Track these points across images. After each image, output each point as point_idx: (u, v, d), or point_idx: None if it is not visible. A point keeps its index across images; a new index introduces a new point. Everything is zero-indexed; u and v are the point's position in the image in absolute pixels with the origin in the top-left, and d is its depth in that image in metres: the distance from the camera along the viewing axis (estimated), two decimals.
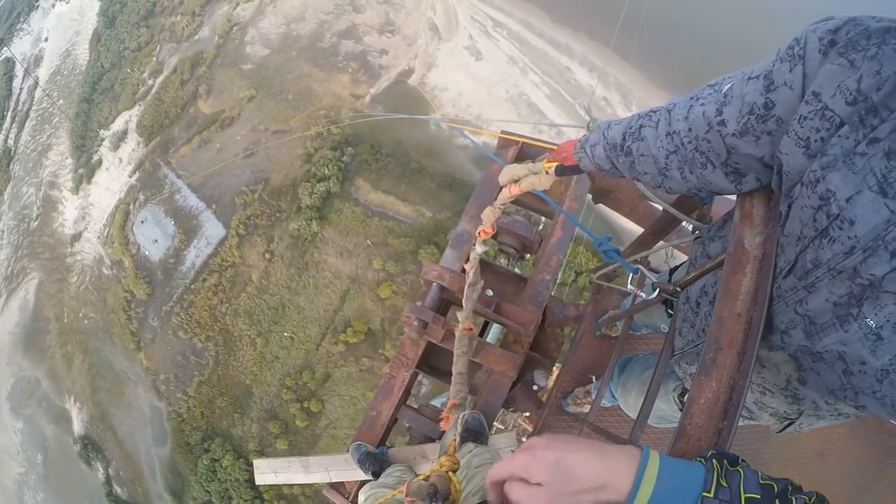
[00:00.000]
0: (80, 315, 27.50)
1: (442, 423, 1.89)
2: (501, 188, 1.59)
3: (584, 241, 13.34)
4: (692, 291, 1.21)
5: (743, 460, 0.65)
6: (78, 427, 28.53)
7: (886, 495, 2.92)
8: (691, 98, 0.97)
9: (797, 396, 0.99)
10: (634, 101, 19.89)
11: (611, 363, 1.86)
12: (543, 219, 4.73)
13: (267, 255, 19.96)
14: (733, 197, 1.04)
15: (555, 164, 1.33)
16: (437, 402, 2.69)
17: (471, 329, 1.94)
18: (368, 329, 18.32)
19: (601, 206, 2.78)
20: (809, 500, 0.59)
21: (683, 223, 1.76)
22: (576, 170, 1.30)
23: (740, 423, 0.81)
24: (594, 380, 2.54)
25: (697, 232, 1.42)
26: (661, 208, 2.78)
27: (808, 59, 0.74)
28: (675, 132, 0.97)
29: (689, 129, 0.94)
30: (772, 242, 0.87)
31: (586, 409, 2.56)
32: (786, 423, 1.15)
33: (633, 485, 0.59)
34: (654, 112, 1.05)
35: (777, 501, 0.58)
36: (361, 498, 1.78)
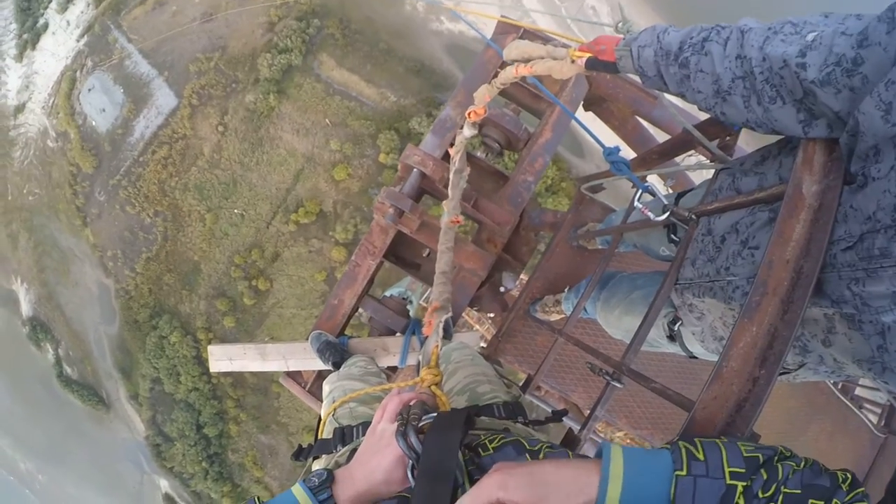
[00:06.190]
0: (25, 191, 26.23)
1: (424, 329, 1.81)
2: (501, 68, 1.42)
3: None
4: (716, 225, 1.17)
5: (722, 437, 0.65)
6: (26, 308, 28.05)
7: (809, 446, 3.05)
8: (768, 28, 0.90)
9: (806, 350, 0.99)
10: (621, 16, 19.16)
11: (595, 277, 1.80)
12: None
13: (220, 128, 19.07)
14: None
15: (587, 55, 1.21)
16: (393, 292, 2.59)
17: (457, 221, 1.80)
18: (320, 210, 18.09)
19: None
20: (798, 465, 0.59)
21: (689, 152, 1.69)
22: (611, 67, 1.20)
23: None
24: (567, 290, 2.49)
25: (718, 161, 1.35)
26: (650, 130, 2.75)
27: None
28: (746, 57, 0.91)
29: (763, 60, 0.88)
30: (831, 195, 0.84)
31: (554, 317, 2.52)
32: (781, 371, 1.14)
33: (601, 478, 0.60)
34: (723, 28, 0.98)
35: (762, 470, 0.58)
36: (326, 388, 1.66)
